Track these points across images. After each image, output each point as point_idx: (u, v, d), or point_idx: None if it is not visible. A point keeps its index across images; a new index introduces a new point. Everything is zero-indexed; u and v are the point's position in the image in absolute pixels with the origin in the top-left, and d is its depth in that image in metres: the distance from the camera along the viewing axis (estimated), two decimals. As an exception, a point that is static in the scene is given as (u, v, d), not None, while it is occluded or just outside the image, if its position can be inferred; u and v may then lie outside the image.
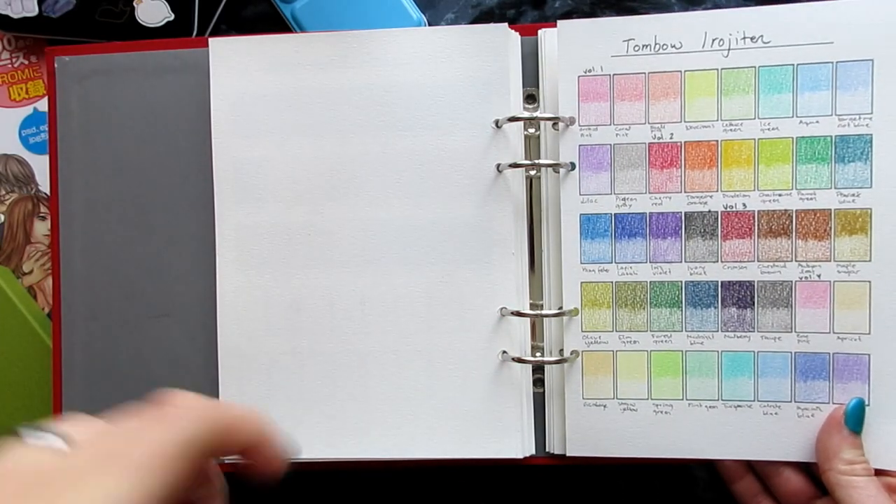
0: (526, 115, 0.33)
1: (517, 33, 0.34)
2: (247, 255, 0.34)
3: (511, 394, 0.33)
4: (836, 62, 0.31)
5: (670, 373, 0.32)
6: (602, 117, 0.33)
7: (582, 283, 0.33)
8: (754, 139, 0.32)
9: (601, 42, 0.32)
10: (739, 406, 0.32)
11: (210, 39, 0.35)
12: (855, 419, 0.30)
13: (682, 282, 0.32)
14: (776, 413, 0.32)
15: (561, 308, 0.33)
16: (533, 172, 0.34)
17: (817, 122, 0.31)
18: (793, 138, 0.32)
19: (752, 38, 0.32)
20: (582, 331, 0.33)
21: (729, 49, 0.32)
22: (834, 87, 0.31)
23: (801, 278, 0.32)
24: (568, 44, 0.32)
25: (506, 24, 0.33)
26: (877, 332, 0.31)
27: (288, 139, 0.34)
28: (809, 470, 0.32)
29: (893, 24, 0.30)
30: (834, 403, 0.31)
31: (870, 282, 0.31)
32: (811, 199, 0.31)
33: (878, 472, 0.30)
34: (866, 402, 0.31)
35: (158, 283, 0.35)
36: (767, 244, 0.32)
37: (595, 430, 0.33)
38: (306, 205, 0.34)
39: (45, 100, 0.41)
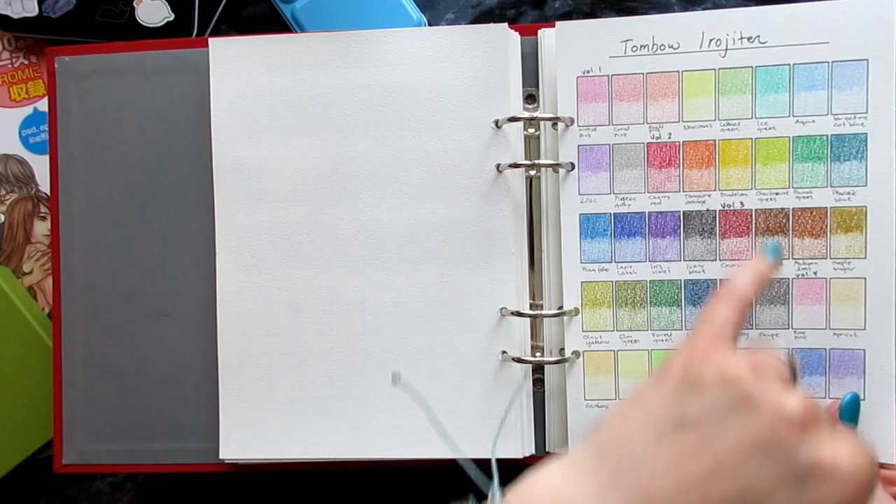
0: (526, 115, 0.33)
1: (517, 33, 0.34)
2: (247, 255, 0.34)
3: (511, 394, 0.33)
4: (832, 62, 0.31)
5: (670, 370, 0.33)
6: (601, 117, 0.33)
7: (582, 282, 0.33)
8: (751, 138, 0.32)
9: (599, 43, 0.33)
10: (739, 403, 0.32)
11: (210, 39, 0.35)
12: (850, 413, 0.30)
13: (681, 280, 0.33)
14: (775, 409, 0.32)
15: (561, 308, 0.33)
16: (533, 172, 0.34)
17: (813, 121, 0.32)
18: (789, 137, 0.32)
19: (748, 39, 0.32)
20: (583, 331, 0.33)
21: (726, 49, 0.32)
22: (830, 87, 0.31)
23: (797, 275, 0.32)
24: (566, 45, 0.33)
25: (506, 24, 0.33)
26: (871, 328, 0.31)
27: (288, 139, 0.34)
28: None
29: (888, 25, 0.31)
30: (830, 398, 0.32)
31: (865, 278, 0.31)
32: (807, 197, 0.32)
33: (876, 467, 0.30)
34: (861, 397, 0.31)
35: (158, 283, 0.35)
36: (765, 242, 0.32)
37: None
38: (306, 205, 0.34)
39: (45, 100, 0.41)
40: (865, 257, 0.31)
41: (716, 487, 0.21)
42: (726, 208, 0.32)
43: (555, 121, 0.33)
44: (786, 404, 0.22)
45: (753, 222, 0.32)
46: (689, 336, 0.26)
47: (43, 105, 0.41)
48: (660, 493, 0.22)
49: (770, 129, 0.32)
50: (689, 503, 0.22)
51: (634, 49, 0.32)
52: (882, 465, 0.31)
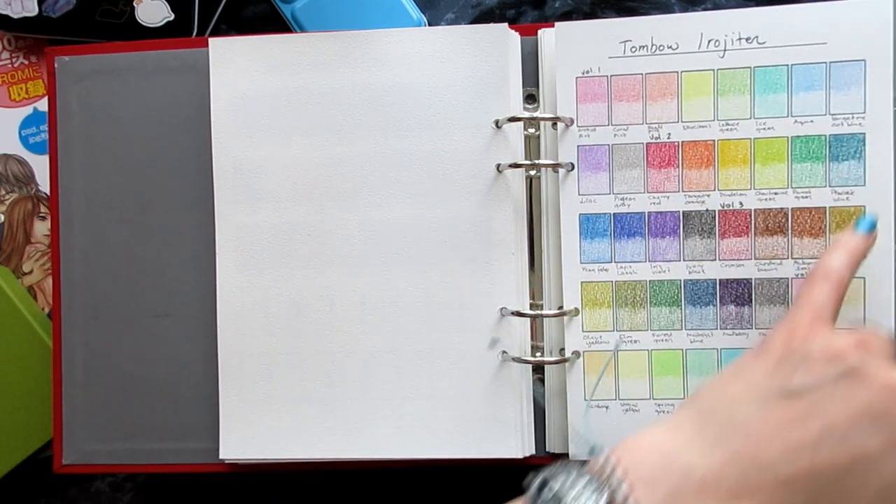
0: (526, 115, 0.33)
1: (517, 33, 0.34)
2: (247, 255, 0.34)
3: (511, 394, 0.33)
4: (830, 62, 0.32)
5: (671, 372, 0.33)
6: (600, 118, 0.33)
7: (582, 282, 0.33)
8: (750, 139, 0.32)
9: (598, 43, 0.33)
10: (738, 402, 0.32)
11: (210, 39, 0.35)
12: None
13: (681, 280, 0.33)
14: (774, 409, 0.32)
15: (561, 308, 0.33)
16: (533, 172, 0.34)
17: (812, 121, 0.32)
18: (788, 137, 0.32)
19: (747, 39, 0.32)
20: (583, 331, 0.33)
21: (725, 50, 0.32)
22: (828, 87, 0.32)
23: (797, 275, 0.32)
24: (565, 45, 0.33)
25: (506, 24, 0.33)
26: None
27: (288, 139, 0.34)
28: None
29: (885, 25, 0.31)
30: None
31: (864, 278, 0.31)
32: (806, 197, 0.32)
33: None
34: None
35: (158, 283, 0.35)
36: (764, 242, 0.32)
37: (598, 432, 0.33)
38: (306, 205, 0.34)
39: (45, 100, 0.41)
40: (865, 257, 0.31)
41: (824, 453, 0.22)
42: (725, 208, 0.32)
43: (555, 121, 0.33)
44: (895, 377, 0.22)
45: (752, 222, 0.32)
46: (787, 316, 0.26)
47: (43, 105, 0.41)
48: (766, 455, 0.22)
49: (769, 129, 0.32)
50: (796, 467, 0.22)
51: (633, 49, 0.33)
52: None
